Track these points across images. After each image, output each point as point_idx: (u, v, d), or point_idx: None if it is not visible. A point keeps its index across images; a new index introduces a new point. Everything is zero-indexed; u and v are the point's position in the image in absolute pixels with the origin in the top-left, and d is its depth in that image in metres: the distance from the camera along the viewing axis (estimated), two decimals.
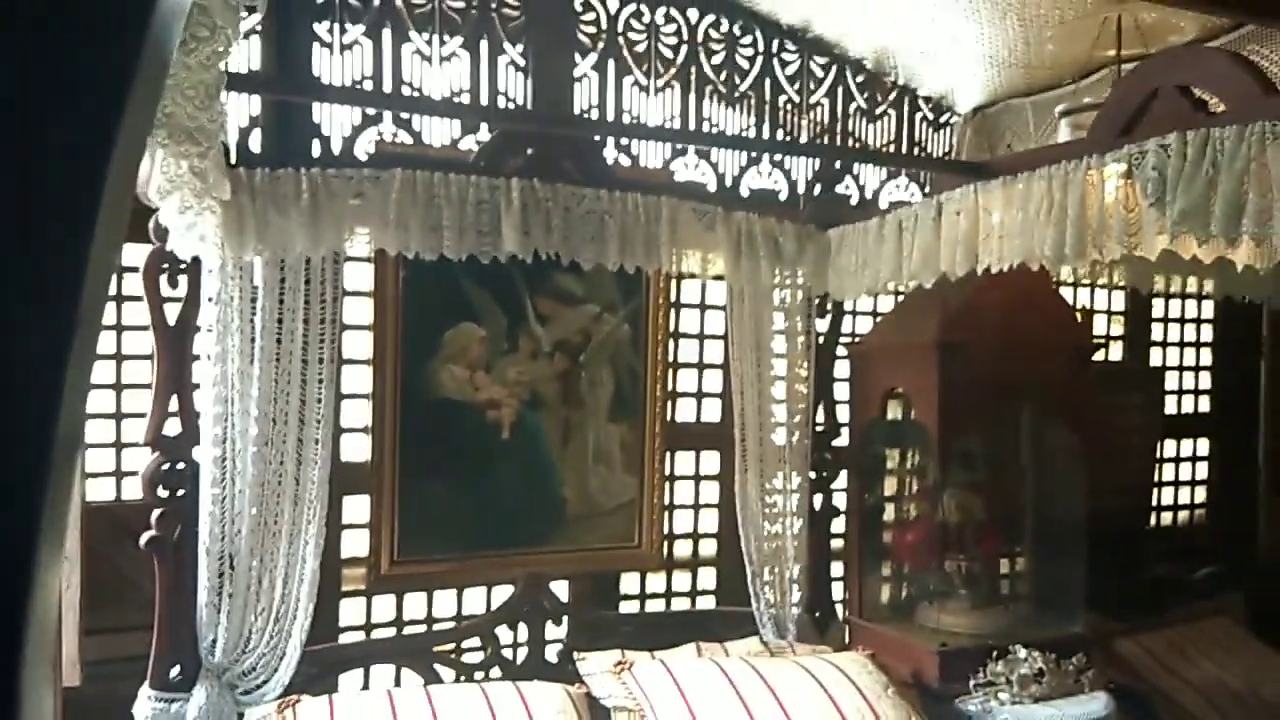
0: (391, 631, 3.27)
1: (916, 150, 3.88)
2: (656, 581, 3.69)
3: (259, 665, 2.77)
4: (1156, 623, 3.80)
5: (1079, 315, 3.68)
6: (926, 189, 3.87)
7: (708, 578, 3.77)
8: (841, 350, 3.71)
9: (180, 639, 2.71)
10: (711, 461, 3.73)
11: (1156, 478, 4.58)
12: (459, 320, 3.23)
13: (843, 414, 3.68)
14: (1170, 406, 4.67)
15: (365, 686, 3.02)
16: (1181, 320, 4.75)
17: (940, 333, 3.10)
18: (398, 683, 3.01)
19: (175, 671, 2.72)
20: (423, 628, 3.27)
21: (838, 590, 3.78)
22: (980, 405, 3.23)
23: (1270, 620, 4.00)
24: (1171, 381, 4.70)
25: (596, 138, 3.42)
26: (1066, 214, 2.36)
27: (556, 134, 3.10)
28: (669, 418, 3.58)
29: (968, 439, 3.31)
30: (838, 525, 3.75)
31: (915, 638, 3.27)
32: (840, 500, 3.68)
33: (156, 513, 2.70)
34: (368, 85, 3.21)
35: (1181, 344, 4.76)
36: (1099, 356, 4.26)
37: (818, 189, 3.59)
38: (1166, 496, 4.69)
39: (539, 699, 2.61)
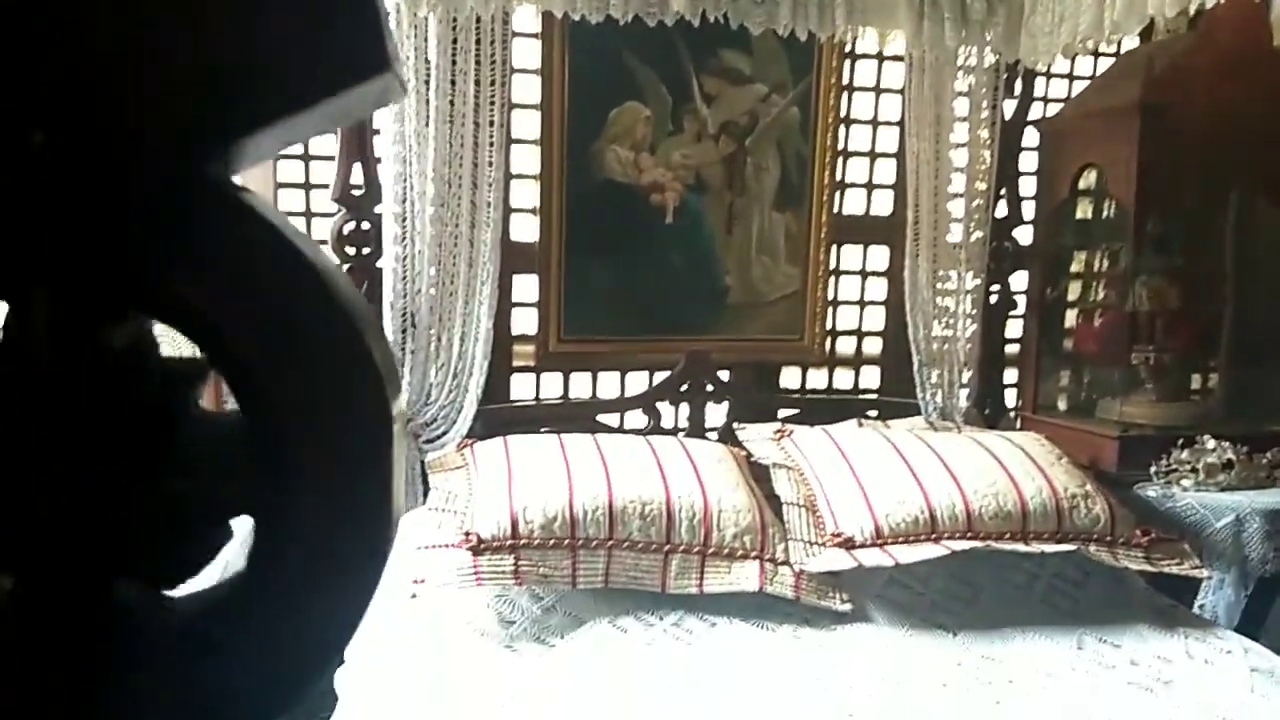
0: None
1: None
2: (817, 378, 3.63)
3: (439, 417, 2.94)
4: None
5: None
6: None
7: (870, 377, 3.68)
8: (1029, 137, 3.47)
9: None
10: (879, 257, 3.61)
11: None
12: (624, 100, 3.19)
13: (1027, 210, 3.48)
14: None
15: None
16: None
17: (1143, 93, 2.82)
18: None
19: None
20: None
21: (1010, 396, 3.65)
22: (1183, 182, 2.95)
23: None
24: None
25: None
26: None
27: None
28: (836, 209, 3.47)
29: (1166, 220, 3.04)
30: (1014, 327, 3.60)
31: (1093, 427, 3.12)
32: (1019, 298, 3.52)
33: (344, 269, 2.87)
34: None
35: None
36: None
37: None
38: None
39: (701, 450, 2.66)
